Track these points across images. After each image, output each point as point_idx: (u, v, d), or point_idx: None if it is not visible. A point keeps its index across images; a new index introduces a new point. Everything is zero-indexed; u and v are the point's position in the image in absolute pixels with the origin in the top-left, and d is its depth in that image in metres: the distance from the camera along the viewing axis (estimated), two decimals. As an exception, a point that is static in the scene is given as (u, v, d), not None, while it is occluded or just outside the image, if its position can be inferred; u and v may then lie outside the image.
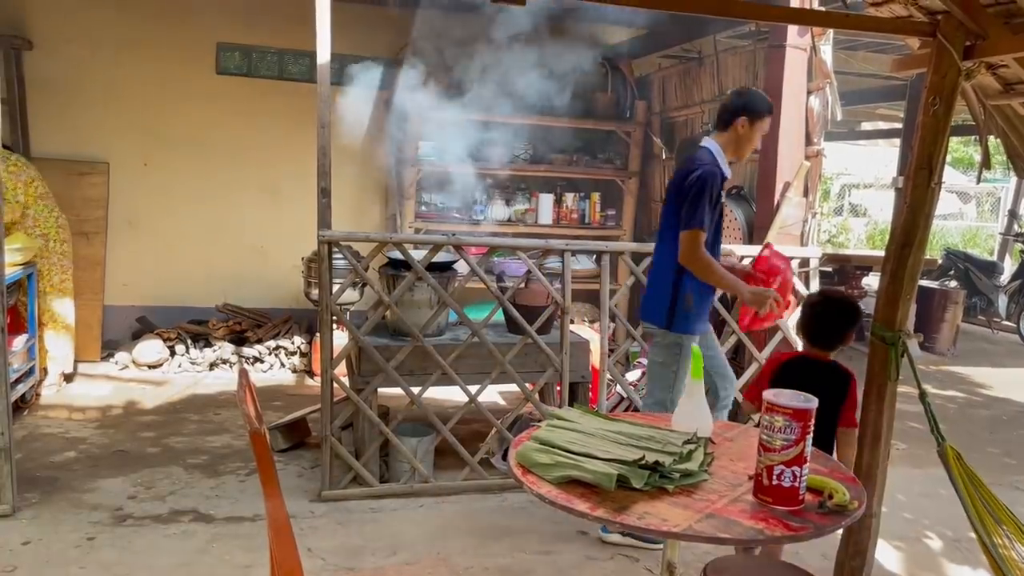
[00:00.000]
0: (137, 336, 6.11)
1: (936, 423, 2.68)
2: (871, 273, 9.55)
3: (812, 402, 1.86)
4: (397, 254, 3.97)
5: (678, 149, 6.01)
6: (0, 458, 3.38)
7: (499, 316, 4.06)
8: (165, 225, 6.32)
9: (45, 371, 5.07)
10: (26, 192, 4.82)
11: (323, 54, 3.49)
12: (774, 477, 1.84)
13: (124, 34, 6.06)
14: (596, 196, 6.70)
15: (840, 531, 2.64)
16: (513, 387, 4.12)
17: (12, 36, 5.68)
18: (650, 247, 4.28)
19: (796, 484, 1.84)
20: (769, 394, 1.89)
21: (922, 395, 2.74)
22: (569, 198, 6.61)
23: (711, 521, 1.76)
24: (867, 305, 8.98)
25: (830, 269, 8.36)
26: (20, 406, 4.64)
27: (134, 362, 5.78)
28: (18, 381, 4.47)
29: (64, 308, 5.13)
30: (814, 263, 4.41)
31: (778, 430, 1.84)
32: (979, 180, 3.59)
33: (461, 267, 4.20)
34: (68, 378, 5.30)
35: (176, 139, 6.28)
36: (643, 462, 1.92)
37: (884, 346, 2.74)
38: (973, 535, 2.59)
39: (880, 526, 2.92)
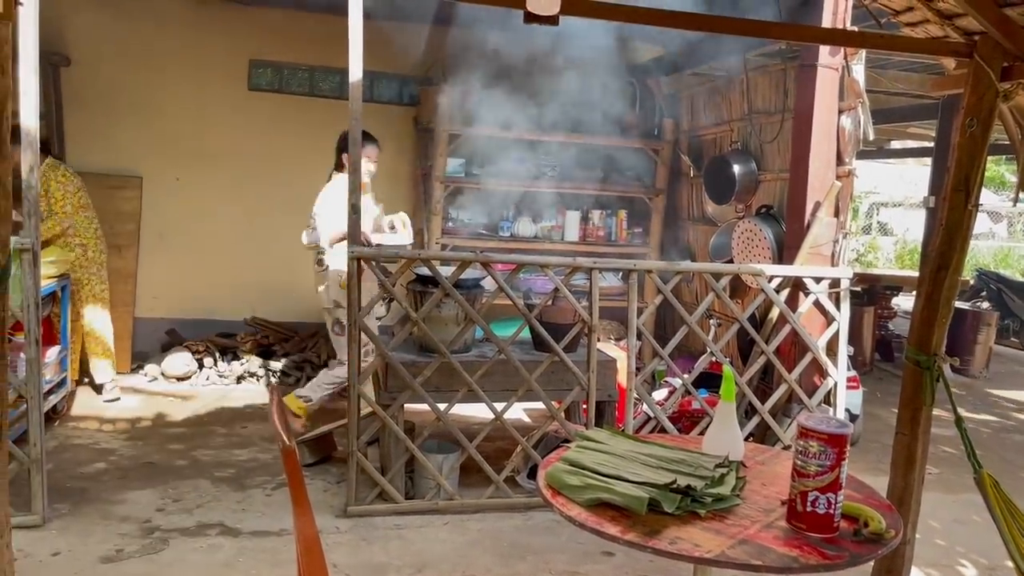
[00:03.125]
0: (166, 348, 6.17)
1: (973, 450, 2.62)
2: (901, 293, 9.45)
3: (847, 427, 1.83)
4: (425, 270, 3.98)
5: (706, 167, 5.98)
6: (32, 469, 3.43)
7: (525, 333, 4.06)
8: (195, 239, 6.40)
9: (76, 382, 5.14)
10: (72, 203, 4.91)
11: (355, 72, 3.52)
12: (808, 503, 1.81)
13: (159, 51, 6.17)
14: (623, 214, 6.67)
15: (873, 558, 2.60)
16: (539, 405, 4.10)
17: (51, 53, 5.79)
18: (678, 265, 4.27)
19: (831, 511, 1.81)
20: (802, 418, 1.87)
21: (958, 421, 2.69)
22: (596, 215, 6.58)
23: (744, 547, 1.74)
24: (897, 326, 8.90)
25: (859, 289, 8.26)
26: (51, 417, 4.70)
27: (163, 374, 5.84)
28: (50, 392, 4.53)
29: (103, 318, 5.20)
30: (845, 284, 4.36)
31: (812, 456, 1.81)
32: (1015, 202, 3.53)
33: (488, 283, 4.20)
34: (98, 389, 5.35)
35: (208, 154, 6.37)
36: (675, 486, 1.90)
37: (919, 370, 2.70)
38: (1010, 563, 2.53)
39: (914, 553, 2.86)
